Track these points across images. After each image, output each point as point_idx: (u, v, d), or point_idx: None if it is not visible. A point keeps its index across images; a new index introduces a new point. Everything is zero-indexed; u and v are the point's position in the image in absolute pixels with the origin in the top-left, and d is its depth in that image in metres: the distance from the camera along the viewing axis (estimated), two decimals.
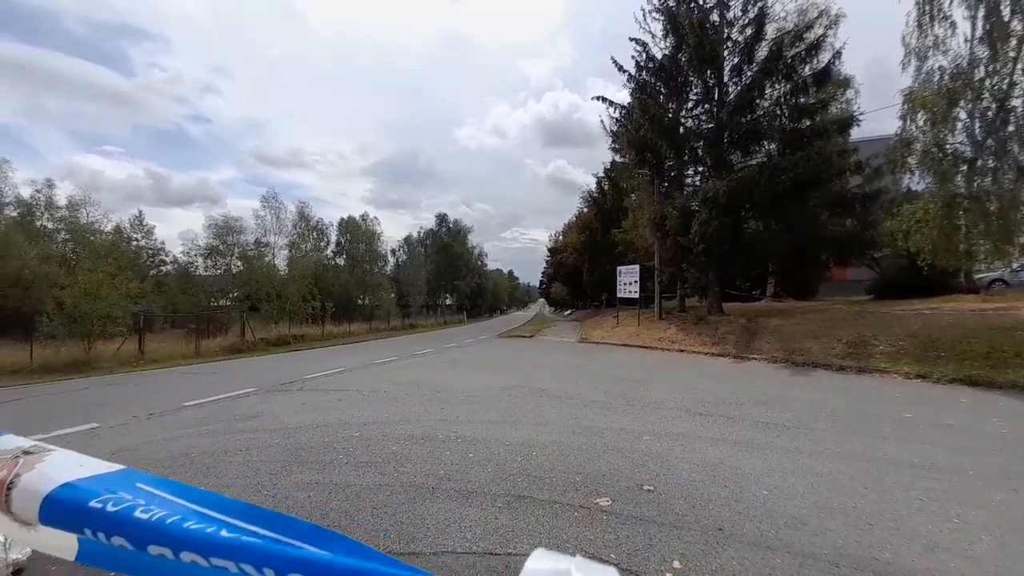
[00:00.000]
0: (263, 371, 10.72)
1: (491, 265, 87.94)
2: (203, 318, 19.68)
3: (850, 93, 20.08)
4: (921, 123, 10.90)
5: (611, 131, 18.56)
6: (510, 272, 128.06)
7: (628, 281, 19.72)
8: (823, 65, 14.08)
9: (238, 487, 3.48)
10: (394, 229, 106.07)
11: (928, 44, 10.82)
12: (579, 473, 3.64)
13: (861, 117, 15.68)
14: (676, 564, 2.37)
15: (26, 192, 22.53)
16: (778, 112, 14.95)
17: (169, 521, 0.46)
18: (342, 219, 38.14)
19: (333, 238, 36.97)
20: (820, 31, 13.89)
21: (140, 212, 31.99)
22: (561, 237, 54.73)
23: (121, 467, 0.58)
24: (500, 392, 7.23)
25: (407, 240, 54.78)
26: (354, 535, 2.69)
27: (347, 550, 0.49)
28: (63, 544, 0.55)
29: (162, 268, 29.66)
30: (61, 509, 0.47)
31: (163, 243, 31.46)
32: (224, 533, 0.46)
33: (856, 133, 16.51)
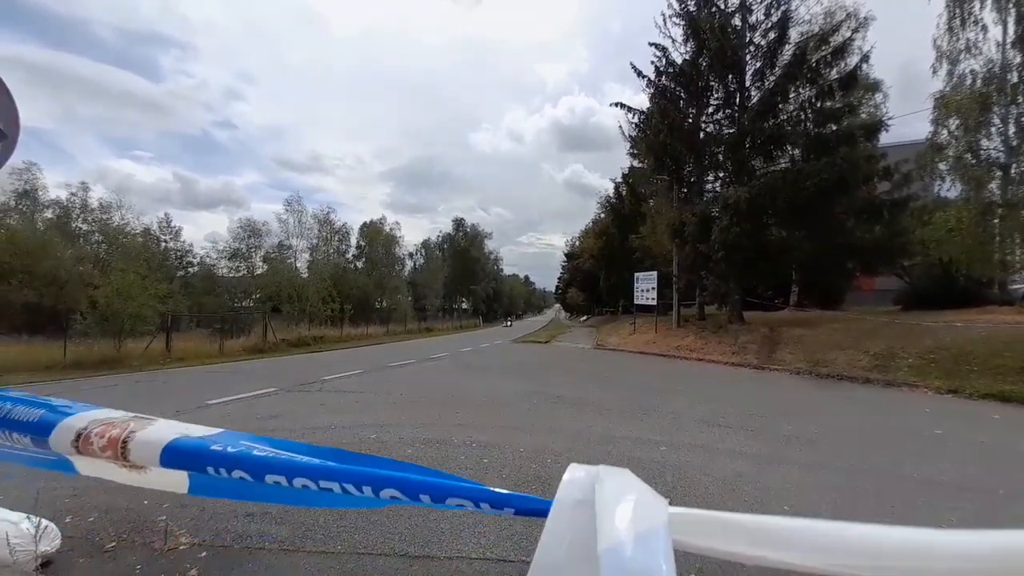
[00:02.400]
0: (284, 372, 10.94)
1: (507, 270, 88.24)
2: (227, 319, 20.22)
3: (879, 97, 19.54)
4: (953, 128, 10.57)
5: (630, 136, 18.50)
6: (526, 277, 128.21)
7: (646, 288, 19.51)
8: (850, 68, 13.77)
9: None
10: (412, 233, 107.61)
11: (959, 47, 10.52)
12: None
13: (890, 121, 15.23)
14: None
15: (62, 195, 23.64)
16: (802, 117, 14.67)
17: (283, 457, 0.61)
18: (363, 223, 38.78)
19: (354, 242, 37.63)
20: (847, 34, 13.62)
21: (167, 215, 33.17)
22: (578, 242, 54.52)
23: (222, 429, 0.73)
24: (515, 398, 7.23)
25: (425, 244, 55.41)
26: (371, 536, 2.74)
27: (400, 467, 0.69)
28: (175, 481, 0.71)
29: (189, 270, 30.60)
30: (182, 453, 0.61)
31: (191, 245, 32.52)
32: (324, 463, 0.61)
33: (885, 138, 16.06)
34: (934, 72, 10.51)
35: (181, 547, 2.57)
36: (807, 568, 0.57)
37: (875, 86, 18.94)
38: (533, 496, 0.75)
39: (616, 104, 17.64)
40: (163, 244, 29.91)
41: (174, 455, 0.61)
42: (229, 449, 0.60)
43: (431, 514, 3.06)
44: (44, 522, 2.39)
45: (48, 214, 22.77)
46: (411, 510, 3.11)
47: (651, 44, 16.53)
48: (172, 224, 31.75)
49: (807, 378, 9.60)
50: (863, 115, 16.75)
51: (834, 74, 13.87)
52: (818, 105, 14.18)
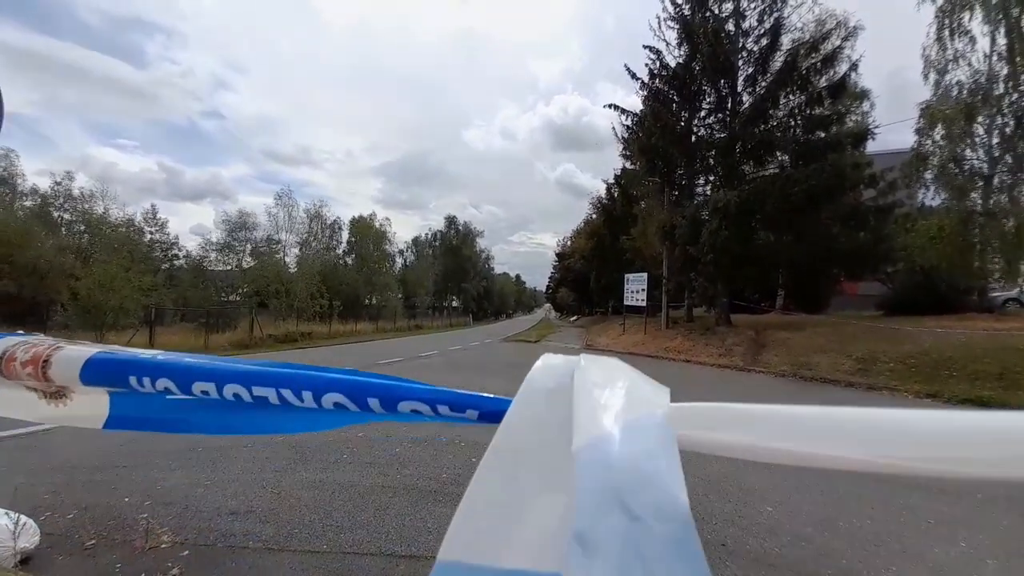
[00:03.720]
0: None
1: (498, 268, 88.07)
2: (213, 313, 19.91)
3: (866, 105, 19.90)
4: (938, 138, 10.81)
5: (623, 138, 18.56)
6: (517, 276, 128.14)
7: (636, 289, 19.65)
8: (839, 77, 14.01)
9: (242, 483, 3.52)
10: (403, 229, 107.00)
11: (948, 57, 10.77)
12: None
13: (877, 130, 15.54)
14: None
15: (43, 183, 23.06)
16: (792, 123, 14.88)
17: (216, 364, 0.55)
18: (353, 218, 38.43)
19: (344, 237, 37.29)
20: (837, 42, 13.85)
21: (153, 206, 32.50)
22: (569, 243, 54.69)
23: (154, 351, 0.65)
24: (504, 397, 7.23)
25: (415, 241, 55.10)
26: (357, 535, 2.72)
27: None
28: (94, 411, 0.64)
29: (175, 262, 30.06)
30: (104, 367, 0.54)
31: (176, 237, 31.93)
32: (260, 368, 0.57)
33: (871, 146, 16.38)
34: (925, 79, 10.77)
35: (163, 545, 2.53)
36: (837, 460, 0.49)
37: (863, 95, 19.27)
38: (499, 397, 0.66)
39: (609, 105, 17.73)
40: (148, 236, 29.33)
41: (96, 368, 0.55)
42: (159, 358, 0.55)
43: (418, 512, 3.05)
44: (23, 519, 2.34)
45: (27, 202, 22.21)
46: (398, 507, 3.10)
47: (645, 47, 16.63)
48: (158, 216, 31.18)
49: (791, 380, 9.75)
50: (851, 123, 17.04)
51: (823, 82, 14.09)
52: (807, 112, 14.40)
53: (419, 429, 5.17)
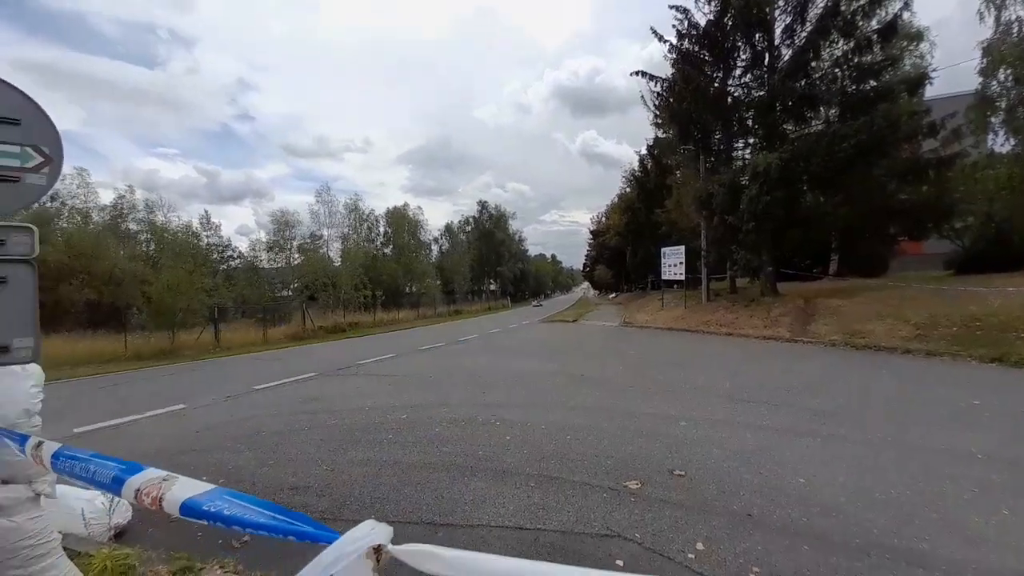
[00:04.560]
0: (321, 357, 11.54)
1: (533, 249, 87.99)
2: (268, 308, 21.27)
3: (924, 46, 18.00)
4: (1003, 79, 9.65)
5: (653, 105, 17.82)
6: (553, 256, 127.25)
7: (673, 263, 19.15)
8: (889, 18, 12.75)
9: (300, 462, 3.90)
10: (434, 216, 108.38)
11: None
12: (611, 457, 3.76)
13: (935, 73, 14.11)
14: (699, 546, 2.45)
15: (106, 197, 25.13)
16: (838, 74, 13.75)
17: (234, 514, 0.86)
18: (387, 209, 39.42)
19: (381, 229, 38.38)
20: None
21: (207, 211, 34.74)
22: (604, 219, 53.56)
23: (213, 486, 0.95)
24: (540, 378, 7.42)
25: (448, 228, 55.80)
26: (401, 507, 2.99)
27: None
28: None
29: (231, 263, 32.10)
30: (190, 511, 0.90)
31: (229, 239, 34.03)
32: (259, 519, 0.84)
33: (931, 90, 14.92)
34: (980, 19, 9.58)
35: None
36: None
37: (919, 35, 17.43)
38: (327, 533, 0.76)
39: (636, 73, 16.97)
40: (205, 239, 31.39)
41: (184, 511, 0.90)
42: (212, 509, 0.87)
43: (455, 486, 3.29)
44: (116, 498, 2.75)
45: (96, 217, 24.28)
46: (437, 481, 3.35)
47: (672, 7, 15.73)
48: (212, 220, 33.27)
49: (842, 350, 9.32)
50: (906, 67, 15.52)
51: (873, 24, 12.88)
52: (855, 60, 13.23)
53: (456, 410, 5.45)
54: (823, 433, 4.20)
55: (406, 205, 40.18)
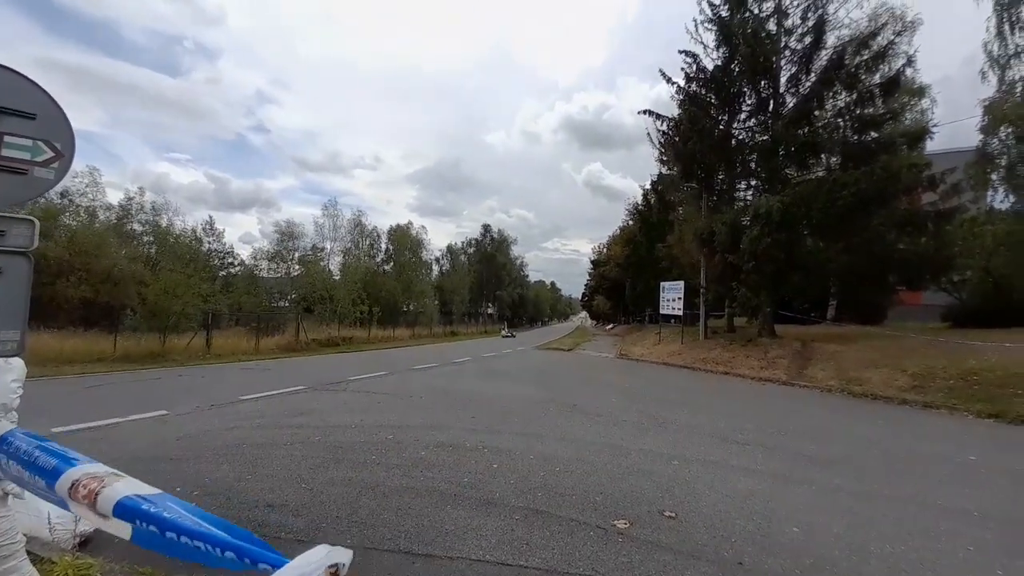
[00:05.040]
0: (313, 370, 11.38)
1: (533, 275, 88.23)
2: (263, 318, 21.13)
3: (925, 102, 18.59)
4: (1004, 136, 9.93)
5: (658, 143, 18.25)
6: (552, 283, 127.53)
7: (672, 297, 19.17)
8: (892, 73, 13.21)
9: (280, 479, 3.77)
10: (438, 237, 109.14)
11: (1010, 52, 9.90)
12: (600, 493, 3.65)
13: (935, 129, 14.52)
14: None
15: (114, 196, 25.34)
16: (840, 124, 14.15)
17: (174, 519, 0.79)
18: (391, 227, 39.76)
19: (383, 246, 38.60)
20: (890, 36, 13.07)
21: (211, 217, 34.97)
22: (605, 250, 54.01)
23: (160, 491, 0.91)
24: (531, 405, 7.30)
25: (450, 249, 56.15)
26: (379, 533, 2.88)
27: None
28: (123, 529, 0.86)
29: (231, 270, 32.12)
30: (126, 509, 0.82)
31: (231, 246, 34.20)
32: (200, 528, 0.78)
33: (934, 145, 15.31)
34: (983, 78, 9.94)
35: None
36: None
37: (921, 91, 18.03)
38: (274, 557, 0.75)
39: (644, 112, 17.48)
40: (206, 245, 31.52)
41: (121, 509, 0.82)
42: (152, 510, 0.79)
43: (437, 513, 3.18)
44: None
45: (102, 216, 24.41)
46: (419, 508, 3.24)
47: (681, 52, 16.32)
48: (215, 226, 33.49)
49: (838, 396, 9.22)
50: (907, 121, 15.97)
51: (876, 79, 13.34)
52: (857, 111, 13.64)
53: (444, 433, 5.33)
54: (819, 481, 4.10)
55: (410, 223, 40.59)
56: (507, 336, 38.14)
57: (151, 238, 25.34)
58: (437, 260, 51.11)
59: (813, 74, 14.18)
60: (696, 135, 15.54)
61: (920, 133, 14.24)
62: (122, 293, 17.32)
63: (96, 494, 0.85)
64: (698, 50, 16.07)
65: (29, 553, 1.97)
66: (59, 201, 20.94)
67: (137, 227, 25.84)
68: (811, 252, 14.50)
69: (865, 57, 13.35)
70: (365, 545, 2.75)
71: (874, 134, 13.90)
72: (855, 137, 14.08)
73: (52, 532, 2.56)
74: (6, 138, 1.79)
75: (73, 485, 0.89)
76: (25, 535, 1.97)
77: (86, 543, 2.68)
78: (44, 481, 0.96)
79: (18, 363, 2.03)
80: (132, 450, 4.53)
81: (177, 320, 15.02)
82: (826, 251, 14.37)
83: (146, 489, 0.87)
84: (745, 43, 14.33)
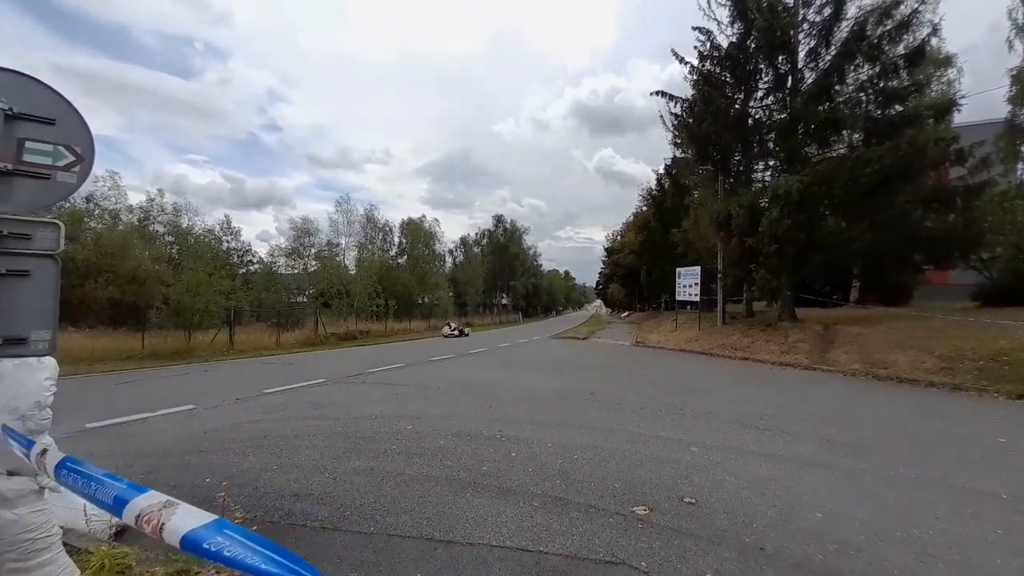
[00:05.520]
0: (332, 364, 11.60)
1: (546, 265, 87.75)
2: (283, 313, 21.56)
3: (952, 72, 17.72)
4: None
5: (671, 125, 17.85)
6: (566, 272, 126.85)
7: (688, 283, 18.91)
8: (917, 43, 12.62)
9: (304, 469, 3.88)
10: (451, 229, 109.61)
11: None
12: (619, 480, 3.65)
13: (962, 100, 13.85)
14: None
15: (135, 199, 26.02)
16: (862, 98, 13.61)
17: (235, 556, 0.82)
18: (402, 221, 39.95)
19: (396, 239, 38.85)
20: (914, 4, 12.46)
21: (228, 217, 35.68)
22: (619, 237, 53.38)
23: (214, 517, 0.93)
24: (548, 394, 7.32)
25: (463, 240, 56.19)
26: (401, 520, 2.94)
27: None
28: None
29: (250, 267, 32.79)
30: (189, 545, 0.88)
31: (249, 244, 34.86)
32: (252, 562, 0.80)
33: (959, 117, 14.63)
34: (1010, 47, 9.39)
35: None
36: None
37: (947, 61, 17.19)
38: None
39: (656, 93, 17.06)
40: (225, 244, 32.20)
41: (185, 545, 0.89)
42: (212, 548, 0.85)
43: (457, 501, 3.23)
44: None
45: (124, 217, 25.11)
46: (439, 496, 3.30)
47: (694, 29, 15.85)
48: (232, 225, 34.17)
49: (862, 380, 9.02)
50: (932, 93, 15.28)
51: (899, 50, 12.76)
52: (880, 85, 13.08)
53: (462, 423, 5.39)
54: (842, 466, 4.03)
55: (423, 217, 40.69)
56: (454, 335, 23.23)
57: (172, 238, 25.96)
58: (451, 252, 51.30)
59: (833, 47, 13.64)
60: (711, 115, 15.16)
61: (947, 105, 13.60)
62: (147, 293, 17.82)
63: (161, 527, 0.93)
64: (711, 27, 15.58)
65: (66, 544, 2.06)
66: (84, 205, 21.58)
67: (159, 228, 26.47)
68: (833, 232, 14.08)
69: (888, 27, 12.77)
70: (388, 532, 2.81)
71: (898, 108, 13.33)
72: (879, 111, 13.53)
73: (88, 523, 2.68)
74: (27, 144, 1.84)
75: (138, 519, 0.98)
76: (62, 527, 2.06)
77: (121, 533, 2.80)
78: (109, 511, 1.06)
79: (50, 362, 2.11)
80: (163, 443, 4.69)
81: (200, 317, 15.42)
82: (849, 231, 13.95)
83: (202, 517, 0.93)
84: (761, 17, 13.83)
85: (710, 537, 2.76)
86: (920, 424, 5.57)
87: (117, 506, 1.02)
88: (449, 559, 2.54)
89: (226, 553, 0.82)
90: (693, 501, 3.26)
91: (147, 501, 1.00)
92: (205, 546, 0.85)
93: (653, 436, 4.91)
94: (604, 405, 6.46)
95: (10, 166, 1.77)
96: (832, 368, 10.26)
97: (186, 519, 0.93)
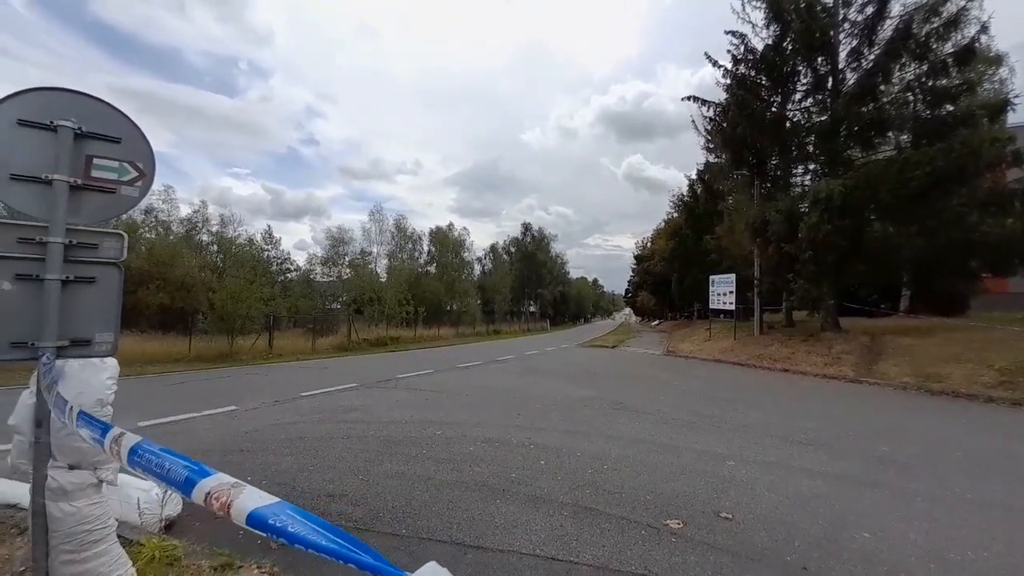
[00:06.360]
0: (365, 369, 11.87)
1: (574, 272, 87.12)
2: (318, 319, 22.29)
3: (1004, 71, 16.67)
4: None
5: (704, 130, 17.50)
6: (594, 280, 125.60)
7: (722, 291, 18.36)
8: (966, 41, 11.95)
9: (339, 470, 3.98)
10: (479, 237, 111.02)
11: None
12: (651, 492, 3.57)
13: (1016, 100, 13.01)
14: None
15: (184, 211, 27.67)
16: (910, 98, 12.97)
17: (298, 532, 0.87)
18: (431, 229, 40.64)
19: (426, 248, 39.55)
20: (961, 2, 11.84)
21: (269, 227, 37.28)
22: (649, 244, 52.51)
23: (277, 499, 0.97)
24: (576, 402, 7.24)
25: (492, 248, 56.59)
26: (432, 523, 2.97)
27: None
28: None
29: (288, 275, 34.12)
30: (255, 522, 0.92)
31: (288, 253, 36.30)
32: (321, 541, 0.83)
33: (1013, 117, 13.75)
34: None
35: None
36: None
37: (998, 59, 16.18)
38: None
39: (688, 98, 16.82)
40: (266, 253, 33.64)
41: (251, 522, 0.93)
42: (277, 523, 0.90)
43: (487, 507, 3.23)
44: (169, 491, 2.91)
45: (174, 228, 26.70)
46: (468, 501, 3.31)
47: (727, 32, 15.55)
48: (273, 235, 35.69)
49: (914, 394, 8.49)
50: (984, 92, 14.39)
51: (948, 48, 12.11)
52: (928, 84, 12.44)
53: (491, 429, 5.40)
54: (892, 484, 3.80)
55: (451, 225, 41.28)
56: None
57: (216, 247, 27.33)
58: (479, 260, 51.73)
59: (877, 46, 13.10)
60: (746, 119, 14.79)
61: (1001, 105, 12.78)
62: (194, 299, 18.83)
63: (229, 505, 0.97)
64: (746, 30, 15.27)
65: (119, 536, 2.19)
66: (143, 217, 23.07)
67: (205, 238, 27.94)
68: (879, 238, 13.39)
69: (935, 25, 12.16)
70: (419, 535, 2.85)
71: (949, 107, 12.62)
72: (928, 111, 12.85)
73: (141, 516, 2.84)
74: (96, 160, 2.00)
75: (207, 497, 1.02)
76: (116, 520, 2.20)
77: (171, 526, 2.95)
78: (180, 490, 1.10)
79: (112, 362, 2.26)
80: (207, 442, 4.93)
81: (242, 323, 16.14)
82: (897, 236, 13.22)
83: (267, 498, 0.98)
84: (799, 18, 13.46)
85: (748, 554, 2.66)
86: (977, 441, 5.18)
87: (187, 486, 1.08)
88: (480, 564, 2.54)
89: (290, 529, 0.86)
90: (730, 516, 3.15)
91: (216, 481, 1.06)
92: (271, 522, 0.89)
93: (686, 448, 4.78)
94: (635, 415, 6.34)
95: (79, 181, 1.93)
96: (880, 381, 9.71)
97: (252, 498, 0.98)
